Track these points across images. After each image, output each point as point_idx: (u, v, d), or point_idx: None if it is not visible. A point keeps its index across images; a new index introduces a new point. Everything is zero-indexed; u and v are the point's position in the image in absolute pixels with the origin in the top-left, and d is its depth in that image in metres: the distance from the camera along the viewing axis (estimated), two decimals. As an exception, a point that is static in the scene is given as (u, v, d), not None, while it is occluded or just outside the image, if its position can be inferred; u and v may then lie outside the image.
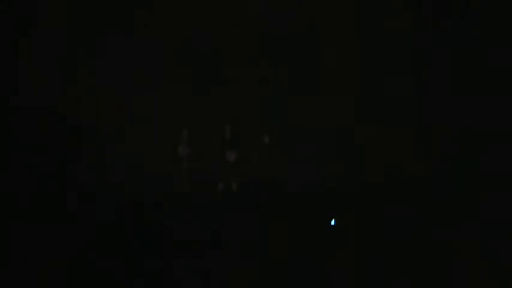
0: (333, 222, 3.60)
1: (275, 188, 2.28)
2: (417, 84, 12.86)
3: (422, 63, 12.55)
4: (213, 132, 11.65)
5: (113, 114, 12.50)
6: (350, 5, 13.12)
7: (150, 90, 12.80)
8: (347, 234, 2.81)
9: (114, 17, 12.83)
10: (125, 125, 12.60)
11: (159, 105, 12.76)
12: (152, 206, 8.90)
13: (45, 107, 8.90)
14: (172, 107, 12.68)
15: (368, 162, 11.23)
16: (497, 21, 10.99)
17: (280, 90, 12.77)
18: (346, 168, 11.72)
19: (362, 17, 13.08)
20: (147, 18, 12.92)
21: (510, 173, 6.60)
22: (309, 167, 11.47)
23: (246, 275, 1.82)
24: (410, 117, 12.87)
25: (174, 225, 3.44)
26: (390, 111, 12.83)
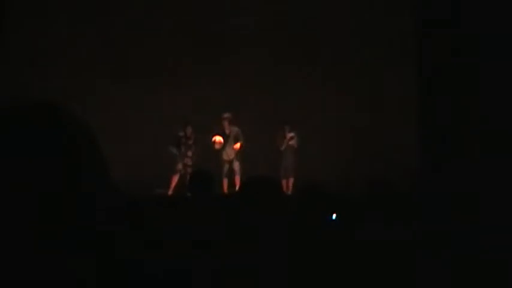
0: (334, 217, 3.57)
1: (276, 188, 2.27)
2: (420, 85, 12.86)
3: (424, 64, 12.55)
4: (215, 129, 11.61)
5: (112, 113, 12.50)
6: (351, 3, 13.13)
7: (149, 86, 12.79)
8: (348, 235, 2.79)
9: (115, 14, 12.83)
10: (124, 123, 12.60)
11: (160, 102, 12.76)
12: (151, 205, 8.86)
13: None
14: (173, 104, 12.68)
15: (370, 163, 11.22)
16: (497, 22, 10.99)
17: (283, 88, 12.78)
18: (347, 169, 11.72)
19: (363, 16, 13.08)
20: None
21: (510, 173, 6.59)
22: (311, 167, 11.48)
23: (245, 275, 1.81)
24: (413, 117, 12.88)
25: (173, 224, 3.41)
26: (392, 111, 12.83)
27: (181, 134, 11.58)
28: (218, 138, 11.34)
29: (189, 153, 11.56)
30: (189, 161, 11.50)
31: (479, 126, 10.92)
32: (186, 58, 12.84)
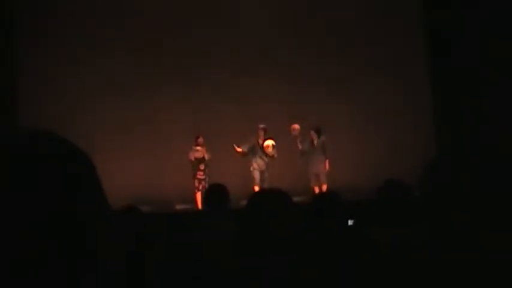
0: (350, 223, 3.55)
1: (284, 199, 2.24)
2: (432, 87, 12.81)
3: (436, 65, 12.52)
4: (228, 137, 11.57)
5: (132, 129, 12.53)
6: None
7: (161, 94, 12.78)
8: (365, 240, 2.78)
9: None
10: (145, 139, 12.61)
11: (172, 110, 12.74)
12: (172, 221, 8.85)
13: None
14: (185, 112, 12.66)
15: (383, 167, 11.14)
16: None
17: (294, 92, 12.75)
18: (361, 174, 11.66)
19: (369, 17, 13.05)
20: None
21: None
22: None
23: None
24: (428, 120, 12.82)
25: (187, 239, 3.40)
26: (405, 114, 12.76)
27: (194, 147, 11.49)
28: (270, 142, 11.26)
29: (201, 167, 11.44)
30: (201, 175, 11.38)
31: (495, 126, 10.83)
32: (206, 70, 12.80)
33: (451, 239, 1.65)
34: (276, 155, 11.31)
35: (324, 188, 11.08)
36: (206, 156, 11.41)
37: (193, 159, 11.40)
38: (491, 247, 1.55)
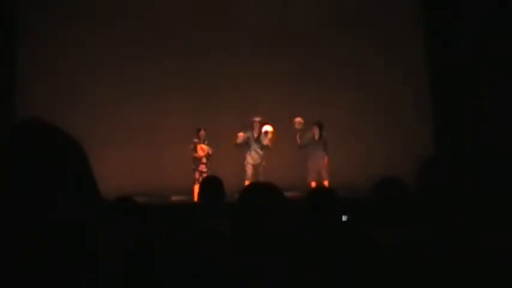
0: (344, 218, 3.52)
1: (276, 194, 2.21)
2: (432, 86, 12.80)
3: (436, 63, 12.50)
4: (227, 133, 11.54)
5: (131, 121, 12.54)
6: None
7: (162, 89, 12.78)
8: (359, 237, 2.77)
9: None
10: (143, 131, 12.61)
11: (173, 106, 12.74)
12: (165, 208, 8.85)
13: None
14: (186, 109, 12.66)
15: (380, 163, 11.12)
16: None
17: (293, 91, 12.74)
18: (357, 170, 11.66)
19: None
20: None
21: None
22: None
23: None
24: (426, 118, 12.81)
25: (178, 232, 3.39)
26: (404, 112, 12.74)
27: (196, 140, 11.52)
28: (269, 128, 11.15)
29: (204, 160, 11.43)
30: (203, 168, 11.36)
31: (495, 126, 10.81)
32: (206, 67, 12.81)
33: (451, 239, 1.65)
34: (270, 144, 11.17)
35: (325, 184, 11.00)
36: (210, 152, 11.45)
37: (198, 156, 11.41)
38: (491, 247, 1.55)
